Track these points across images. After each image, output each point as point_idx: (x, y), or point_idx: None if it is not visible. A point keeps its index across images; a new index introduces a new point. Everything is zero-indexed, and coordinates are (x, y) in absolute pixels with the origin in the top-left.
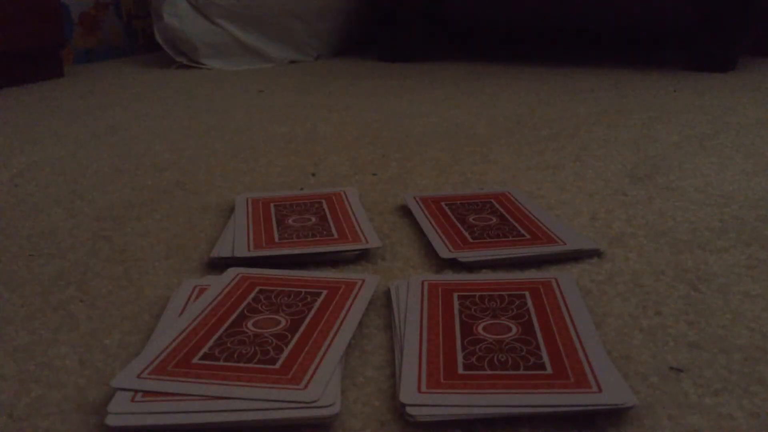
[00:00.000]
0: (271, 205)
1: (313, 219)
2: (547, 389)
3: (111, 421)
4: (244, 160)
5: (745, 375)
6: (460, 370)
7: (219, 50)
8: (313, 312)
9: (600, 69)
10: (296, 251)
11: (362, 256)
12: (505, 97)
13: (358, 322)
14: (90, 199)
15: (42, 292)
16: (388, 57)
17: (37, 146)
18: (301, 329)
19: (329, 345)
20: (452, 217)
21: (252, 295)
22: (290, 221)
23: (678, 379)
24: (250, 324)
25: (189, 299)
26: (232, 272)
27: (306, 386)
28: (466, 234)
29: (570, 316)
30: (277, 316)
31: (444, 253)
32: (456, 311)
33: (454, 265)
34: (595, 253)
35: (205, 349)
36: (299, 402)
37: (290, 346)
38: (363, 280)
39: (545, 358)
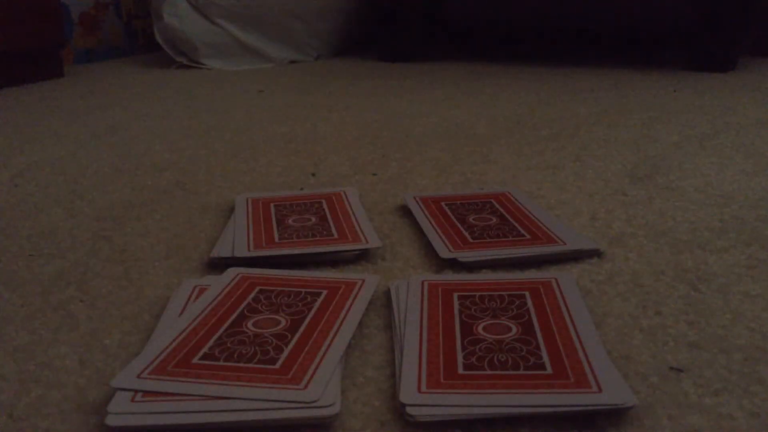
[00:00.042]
0: (271, 205)
1: (313, 219)
2: (547, 389)
3: (111, 421)
4: (244, 160)
5: (745, 375)
6: (460, 370)
7: (219, 50)
8: (313, 312)
9: (600, 69)
10: (296, 251)
11: (362, 256)
12: (505, 97)
13: (358, 322)
14: (90, 199)
15: (42, 292)
16: (388, 57)
17: (37, 146)
18: (301, 329)
19: (329, 345)
20: (452, 217)
21: (252, 295)
22: (290, 221)
23: (678, 379)
24: (250, 324)
25: (189, 299)
26: (232, 272)
27: (306, 386)
28: (466, 234)
29: (570, 316)
30: (277, 316)
31: (444, 253)
32: (456, 311)
33: (454, 265)
34: (595, 253)
35: (205, 349)
36: (299, 402)
37: (290, 346)
38: (363, 280)
39: (545, 358)
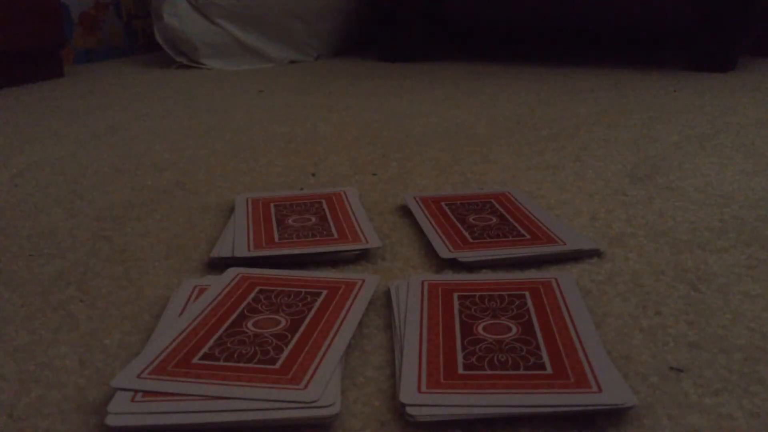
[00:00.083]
0: (271, 205)
1: (313, 219)
2: (547, 389)
3: (111, 421)
4: (244, 160)
5: (745, 375)
6: (460, 370)
7: (219, 50)
8: (313, 312)
9: (600, 69)
10: (296, 251)
11: (362, 256)
12: (505, 97)
13: (358, 322)
14: (90, 199)
15: (42, 292)
16: (388, 57)
17: (37, 146)
18: (301, 329)
19: (329, 345)
20: (452, 217)
21: (252, 295)
22: (290, 221)
23: (678, 379)
24: (250, 324)
25: (189, 299)
26: (232, 272)
27: (306, 386)
28: (466, 234)
29: (570, 316)
30: (277, 316)
31: (444, 253)
32: (456, 311)
33: (454, 265)
34: (595, 253)
35: (205, 349)
36: (299, 402)
37: (290, 346)
38: (363, 280)
39: (545, 358)
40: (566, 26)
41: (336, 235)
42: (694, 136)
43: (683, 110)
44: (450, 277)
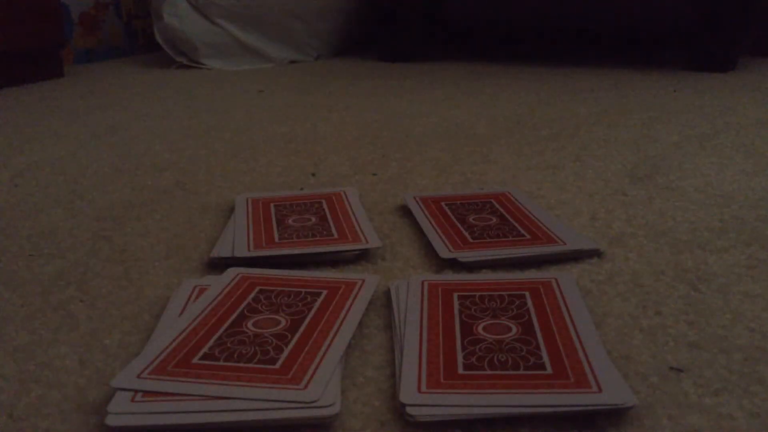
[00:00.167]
0: (271, 205)
1: (313, 219)
2: (547, 389)
3: (111, 421)
4: (244, 160)
5: (745, 375)
6: (460, 370)
7: (219, 50)
8: (313, 312)
9: (600, 69)
10: (296, 251)
11: (362, 256)
12: (505, 97)
13: (358, 322)
14: (90, 199)
15: (42, 292)
16: (388, 57)
17: (37, 146)
18: (301, 329)
19: (329, 345)
20: (452, 217)
21: (252, 295)
22: (290, 221)
23: (678, 379)
24: (250, 324)
25: (189, 299)
26: (232, 272)
27: (306, 386)
28: (466, 234)
29: (570, 316)
30: (277, 316)
31: (444, 253)
32: (456, 311)
33: (454, 265)
34: (595, 253)
35: (205, 349)
36: (299, 402)
37: (290, 346)
38: (363, 280)
39: (545, 358)
40: (566, 26)
41: (336, 235)
42: (694, 136)
43: (683, 110)
44: (450, 277)
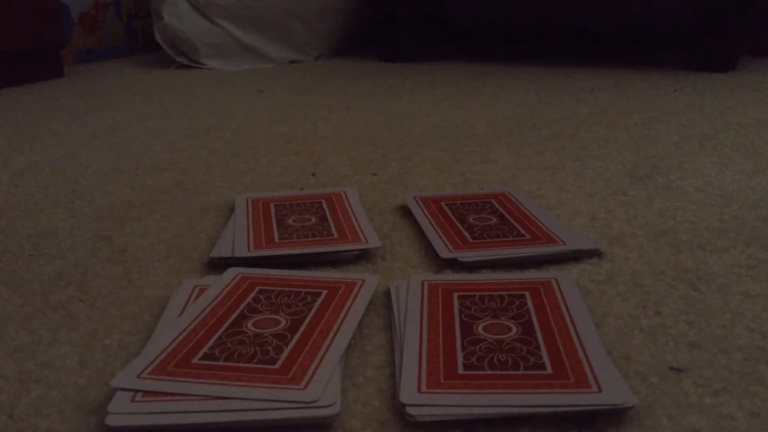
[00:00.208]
0: (271, 205)
1: (313, 219)
2: (547, 389)
3: (111, 421)
4: (244, 160)
5: (745, 375)
6: (460, 370)
7: (219, 50)
8: (313, 312)
9: (600, 69)
10: (296, 251)
11: (362, 256)
12: (505, 97)
13: (358, 322)
14: (90, 199)
15: (42, 292)
16: (388, 57)
17: (37, 146)
18: (301, 329)
19: (329, 345)
20: (452, 217)
21: (252, 295)
22: (290, 221)
23: (678, 379)
24: (250, 324)
25: (189, 299)
26: (232, 272)
27: (306, 386)
28: (466, 234)
29: (570, 316)
30: (277, 316)
31: (444, 253)
32: (456, 311)
33: (454, 265)
34: (595, 253)
35: (205, 349)
36: (299, 402)
37: (290, 346)
38: (363, 280)
39: (545, 358)
40: (566, 26)
41: (336, 235)
42: (694, 136)
43: (683, 110)
44: (450, 277)
